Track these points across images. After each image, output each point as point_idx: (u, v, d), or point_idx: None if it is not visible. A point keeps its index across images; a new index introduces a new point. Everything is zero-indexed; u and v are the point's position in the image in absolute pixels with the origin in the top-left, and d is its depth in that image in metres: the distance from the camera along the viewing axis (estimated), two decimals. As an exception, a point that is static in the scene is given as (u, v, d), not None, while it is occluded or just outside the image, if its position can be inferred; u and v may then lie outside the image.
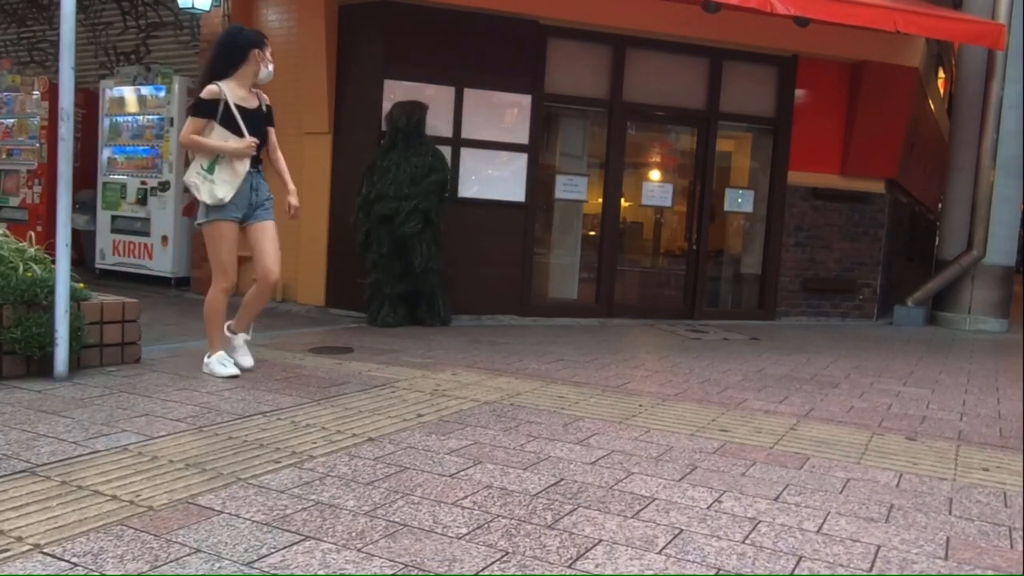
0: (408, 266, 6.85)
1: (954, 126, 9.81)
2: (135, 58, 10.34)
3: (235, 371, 4.46)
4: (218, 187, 4.31)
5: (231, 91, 4.37)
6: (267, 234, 4.50)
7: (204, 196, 4.34)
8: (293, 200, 4.65)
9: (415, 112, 7.06)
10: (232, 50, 4.41)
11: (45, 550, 2.19)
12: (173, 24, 9.97)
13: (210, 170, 4.33)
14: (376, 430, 3.53)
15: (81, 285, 4.49)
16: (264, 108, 4.57)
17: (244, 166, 4.36)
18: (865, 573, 2.32)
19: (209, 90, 4.34)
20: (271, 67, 4.49)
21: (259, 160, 4.51)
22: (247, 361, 4.61)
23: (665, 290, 9.05)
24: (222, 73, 4.39)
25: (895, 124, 8.79)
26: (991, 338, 8.68)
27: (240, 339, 4.65)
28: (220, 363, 4.48)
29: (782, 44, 8.24)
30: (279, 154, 4.71)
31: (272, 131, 4.65)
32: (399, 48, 7.49)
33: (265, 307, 4.67)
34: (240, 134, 4.35)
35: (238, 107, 4.36)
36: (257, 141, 4.39)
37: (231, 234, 4.44)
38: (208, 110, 4.34)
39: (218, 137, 4.34)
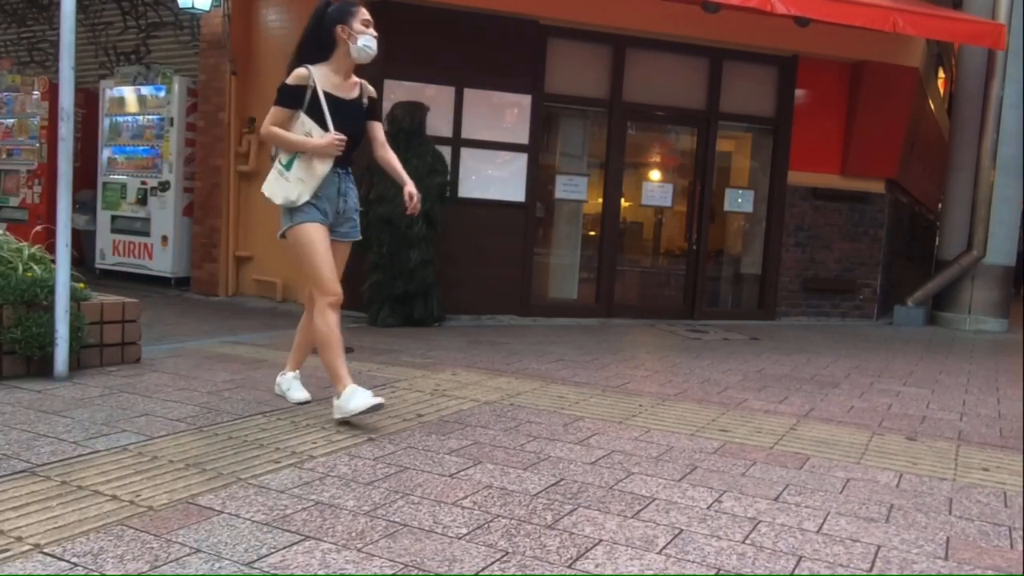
0: (404, 264, 6.84)
1: (954, 126, 9.82)
2: (135, 58, 10.35)
3: (379, 399, 3.60)
4: (292, 186, 3.63)
5: (323, 77, 3.68)
6: (340, 255, 3.82)
7: (275, 196, 3.68)
8: (412, 188, 3.90)
9: (417, 113, 7.08)
10: (317, 32, 3.72)
11: (45, 550, 2.19)
12: (173, 24, 9.97)
13: (287, 167, 3.66)
14: (376, 430, 3.53)
15: (81, 285, 4.49)
16: (365, 100, 3.86)
17: (324, 166, 3.64)
18: (865, 573, 2.32)
19: (296, 74, 3.68)
20: (362, 41, 3.68)
21: (349, 162, 3.78)
22: (300, 395, 3.98)
23: (665, 290, 9.06)
24: (313, 60, 3.72)
25: (895, 124, 8.79)
26: (991, 338, 8.68)
27: (290, 376, 4.06)
28: (360, 395, 3.58)
29: (782, 44, 8.24)
30: (388, 152, 4.00)
31: (378, 126, 3.98)
32: (399, 48, 7.48)
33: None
34: (326, 127, 3.65)
35: (329, 96, 3.68)
36: (343, 137, 3.64)
37: (322, 235, 3.67)
38: (293, 98, 3.66)
39: (300, 130, 3.67)
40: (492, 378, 4.81)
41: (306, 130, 3.66)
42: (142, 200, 9.12)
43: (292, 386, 3.96)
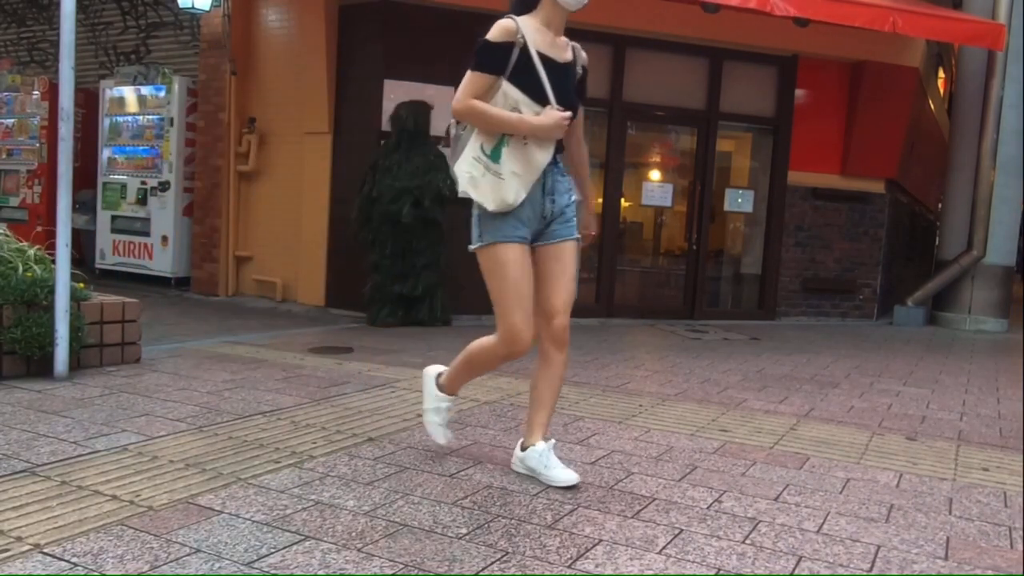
0: (410, 266, 6.86)
1: (954, 126, 9.82)
2: (135, 58, 10.35)
3: (448, 436, 3.18)
4: (507, 184, 2.76)
5: (533, 33, 2.83)
6: (563, 260, 2.93)
7: (485, 198, 2.79)
8: (591, 226, 3.15)
9: (421, 113, 7.10)
10: None
11: (45, 550, 2.19)
12: (173, 24, 9.98)
13: (495, 156, 2.78)
14: (376, 430, 3.52)
15: (81, 285, 4.49)
16: (580, 69, 3.00)
17: (545, 154, 2.80)
18: (865, 573, 2.32)
19: (502, 27, 2.82)
20: None
21: (560, 147, 2.94)
22: (565, 476, 2.91)
23: (665, 290, 9.05)
24: (517, 12, 2.90)
25: (895, 124, 8.79)
26: (991, 338, 8.67)
27: (542, 447, 2.96)
28: (439, 415, 3.16)
29: (782, 44, 8.24)
30: (583, 147, 3.12)
31: (579, 110, 3.01)
32: (399, 48, 7.49)
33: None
34: (542, 100, 2.78)
35: (544, 58, 2.82)
36: (570, 113, 2.81)
37: (524, 261, 2.86)
38: (497, 59, 2.79)
39: (503, 104, 2.79)
40: (492, 378, 4.81)
41: (511, 104, 2.78)
42: (142, 200, 9.13)
43: (550, 461, 2.94)
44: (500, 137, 2.79)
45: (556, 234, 2.92)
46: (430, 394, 3.19)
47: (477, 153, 2.82)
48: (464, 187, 2.85)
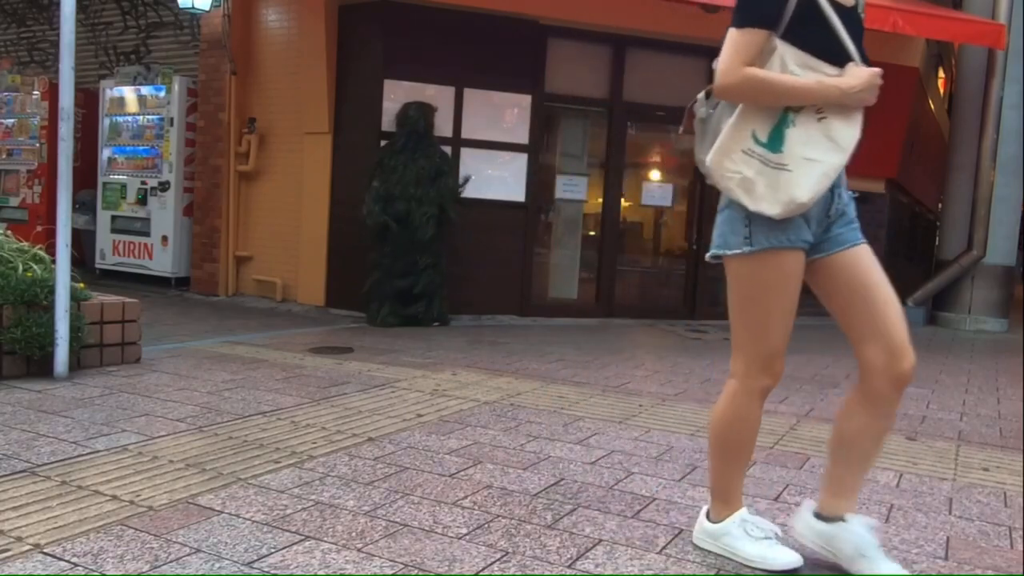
0: (412, 264, 6.87)
1: (954, 126, 9.82)
2: (135, 58, 10.35)
3: (794, 559, 2.26)
4: (796, 175, 2.08)
5: None
6: (874, 267, 2.31)
7: (765, 203, 2.10)
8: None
9: (428, 114, 7.15)
10: None
11: (45, 550, 2.19)
12: (173, 24, 9.97)
13: (774, 143, 2.09)
14: (376, 430, 3.53)
15: (81, 285, 4.49)
16: (861, 11, 2.23)
17: (852, 129, 2.11)
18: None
19: None
20: None
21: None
22: (888, 567, 2.21)
23: (665, 290, 9.05)
24: None
25: (895, 124, 8.78)
26: (991, 338, 8.67)
27: (859, 524, 2.24)
28: (748, 533, 2.30)
29: (782, 44, 8.23)
30: None
31: None
32: (399, 48, 7.49)
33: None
34: (838, 58, 2.09)
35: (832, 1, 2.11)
36: (881, 71, 2.09)
37: (799, 275, 2.24)
38: (770, 6, 2.07)
39: (779, 71, 2.07)
40: (492, 378, 4.81)
41: (801, 70, 2.07)
42: (142, 200, 9.13)
43: (874, 550, 2.22)
44: (780, 116, 2.09)
45: (844, 238, 2.23)
46: (736, 536, 2.31)
47: (748, 144, 2.11)
48: (733, 191, 2.14)
